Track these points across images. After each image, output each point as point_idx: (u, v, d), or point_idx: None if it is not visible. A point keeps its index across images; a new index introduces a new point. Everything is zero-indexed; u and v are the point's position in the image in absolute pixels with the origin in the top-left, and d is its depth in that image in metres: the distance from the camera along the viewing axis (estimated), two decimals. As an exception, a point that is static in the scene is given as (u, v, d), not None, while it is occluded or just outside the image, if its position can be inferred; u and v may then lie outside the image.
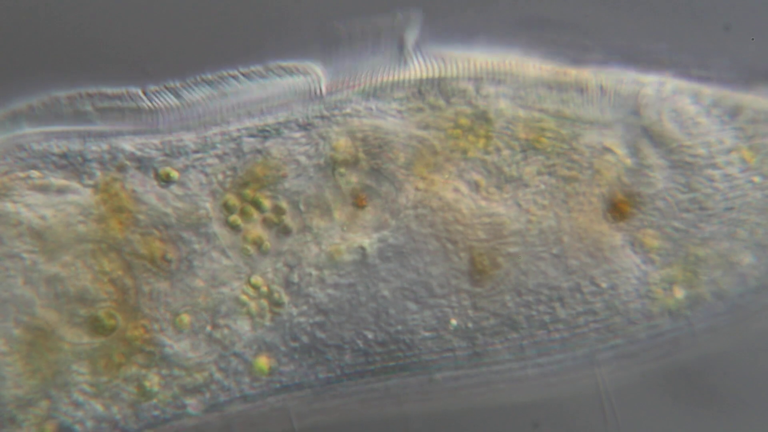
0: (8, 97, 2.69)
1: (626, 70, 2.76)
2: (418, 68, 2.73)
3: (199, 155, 2.69)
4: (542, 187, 2.71)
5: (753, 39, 2.81)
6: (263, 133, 2.70)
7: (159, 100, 2.70)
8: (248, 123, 2.70)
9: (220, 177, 2.68)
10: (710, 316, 2.74)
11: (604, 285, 2.71)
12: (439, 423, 2.79)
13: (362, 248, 2.68)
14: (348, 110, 2.71)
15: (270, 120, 2.71)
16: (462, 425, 2.80)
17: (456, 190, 2.70)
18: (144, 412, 2.67)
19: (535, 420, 2.82)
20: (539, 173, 2.71)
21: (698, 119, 2.73)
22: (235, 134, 2.70)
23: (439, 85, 2.72)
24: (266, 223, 2.69)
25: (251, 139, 2.70)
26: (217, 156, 2.69)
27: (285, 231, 2.69)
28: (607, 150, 2.71)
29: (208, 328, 2.67)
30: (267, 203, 2.68)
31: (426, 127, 2.70)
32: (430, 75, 2.72)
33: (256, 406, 2.72)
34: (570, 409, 2.80)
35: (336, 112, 2.71)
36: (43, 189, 2.66)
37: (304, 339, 2.69)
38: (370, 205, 2.70)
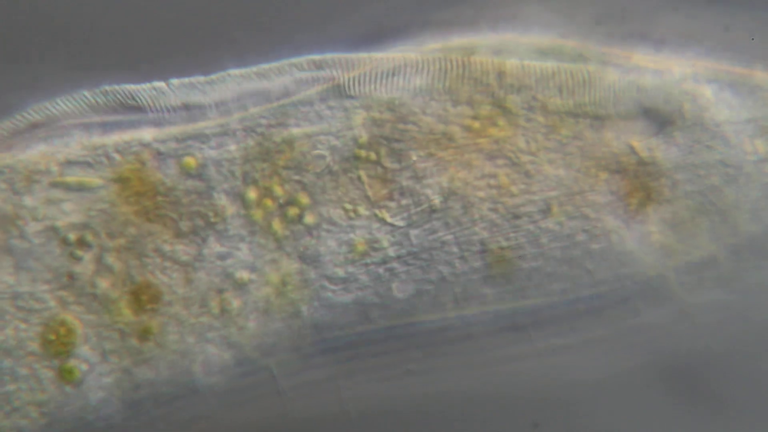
0: (27, 95, 2.68)
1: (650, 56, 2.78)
2: (442, 57, 2.72)
3: (219, 145, 2.67)
4: (566, 182, 2.71)
5: (753, 39, 2.83)
6: (282, 119, 2.68)
7: (182, 92, 2.69)
8: (268, 109, 2.70)
9: (243, 167, 2.66)
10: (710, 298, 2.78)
11: (612, 281, 2.73)
12: (439, 422, 2.78)
13: (383, 248, 2.68)
14: (370, 103, 2.70)
15: (290, 110, 2.69)
16: (462, 425, 2.79)
17: (478, 189, 2.69)
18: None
19: (535, 420, 2.81)
20: (562, 168, 2.71)
21: (718, 115, 2.75)
22: (257, 123, 2.68)
23: (463, 76, 2.71)
24: (287, 217, 2.67)
25: (274, 129, 2.68)
26: (239, 147, 2.67)
27: (306, 227, 2.67)
28: (627, 145, 2.72)
29: (221, 330, 2.67)
30: (281, 191, 2.66)
31: (447, 121, 2.69)
32: (455, 65, 2.71)
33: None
34: (570, 408, 2.80)
35: (357, 103, 2.70)
36: (64, 183, 2.62)
37: (316, 336, 2.70)
38: (394, 199, 2.68)
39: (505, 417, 2.81)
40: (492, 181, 2.69)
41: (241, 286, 2.66)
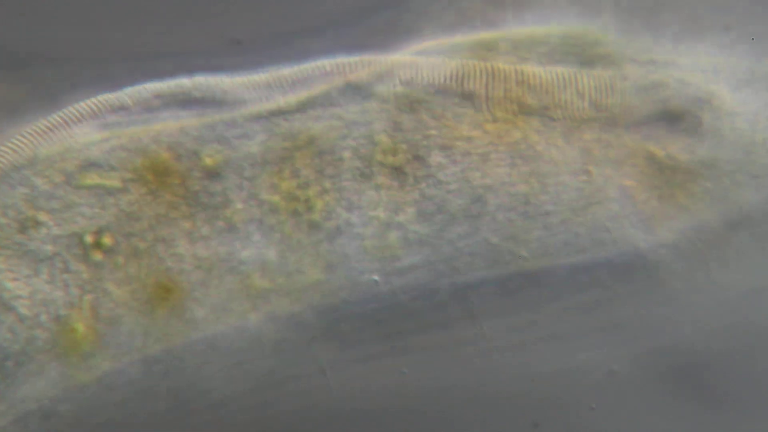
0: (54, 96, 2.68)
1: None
2: (463, 60, 2.72)
3: (240, 145, 2.66)
4: (584, 186, 2.72)
5: (753, 39, 2.85)
6: (302, 120, 2.67)
7: (205, 91, 2.68)
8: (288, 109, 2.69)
9: (263, 168, 2.66)
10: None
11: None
12: (439, 421, 2.79)
13: (400, 254, 2.68)
14: (391, 105, 2.69)
15: (311, 111, 2.69)
16: (462, 424, 2.79)
17: (498, 193, 2.70)
18: None
19: (535, 420, 2.82)
20: (580, 171, 2.72)
21: (738, 119, 2.76)
22: (277, 123, 2.67)
23: (484, 80, 2.71)
24: (305, 221, 2.66)
25: (294, 130, 2.67)
26: (259, 148, 2.66)
27: (325, 231, 2.66)
28: (646, 149, 2.73)
29: (237, 337, 2.67)
30: (300, 193, 2.66)
31: (468, 124, 2.69)
32: (476, 69, 2.72)
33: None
34: (570, 408, 2.81)
35: (377, 105, 2.69)
36: (83, 185, 2.61)
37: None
38: (413, 202, 2.68)
39: (505, 417, 2.80)
40: (511, 188, 2.70)
41: (258, 292, 2.65)
